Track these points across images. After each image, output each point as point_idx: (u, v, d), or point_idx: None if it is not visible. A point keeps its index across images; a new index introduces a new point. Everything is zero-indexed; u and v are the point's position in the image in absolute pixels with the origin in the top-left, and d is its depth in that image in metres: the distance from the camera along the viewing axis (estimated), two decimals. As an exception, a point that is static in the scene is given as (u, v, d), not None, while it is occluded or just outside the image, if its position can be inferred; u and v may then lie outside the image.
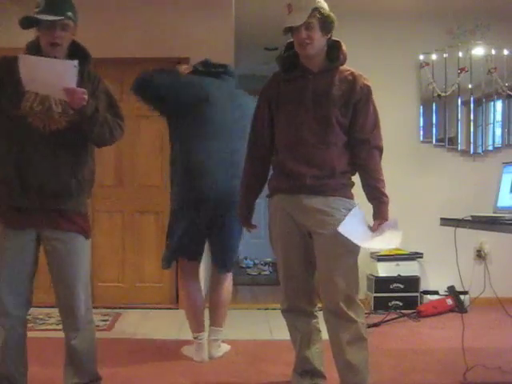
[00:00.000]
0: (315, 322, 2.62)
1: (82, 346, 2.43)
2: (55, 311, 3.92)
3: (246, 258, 7.21)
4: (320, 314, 2.61)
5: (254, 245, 7.32)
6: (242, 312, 4.66)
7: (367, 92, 2.43)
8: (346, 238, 2.32)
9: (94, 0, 4.41)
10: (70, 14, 2.26)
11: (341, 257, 2.37)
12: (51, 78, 2.15)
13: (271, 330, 4.03)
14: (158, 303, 4.61)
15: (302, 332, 2.59)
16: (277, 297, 5.33)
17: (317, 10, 2.34)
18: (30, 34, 2.28)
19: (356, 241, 2.32)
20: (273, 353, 3.42)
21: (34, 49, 2.32)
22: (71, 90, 2.17)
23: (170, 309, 4.62)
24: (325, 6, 2.39)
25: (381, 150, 2.48)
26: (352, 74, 2.43)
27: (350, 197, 2.45)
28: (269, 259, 7.14)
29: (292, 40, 2.43)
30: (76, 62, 2.17)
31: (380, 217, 2.43)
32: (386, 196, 2.44)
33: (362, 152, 2.42)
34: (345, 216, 2.37)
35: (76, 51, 2.36)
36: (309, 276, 2.54)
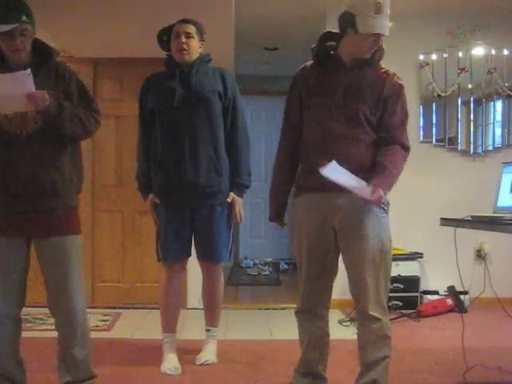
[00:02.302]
0: (325, 325, 2.57)
1: (78, 343, 2.43)
2: (55, 311, 3.96)
3: (246, 258, 7.19)
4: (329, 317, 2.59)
5: (254, 245, 7.33)
6: (242, 312, 4.66)
7: (398, 90, 2.38)
8: (376, 238, 2.31)
9: (95, 1, 4.41)
10: (24, 17, 2.24)
11: (371, 258, 2.32)
12: (10, 91, 2.18)
13: (271, 330, 4.03)
14: (158, 303, 4.61)
15: (310, 334, 2.54)
16: (277, 297, 5.38)
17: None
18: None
19: (340, 181, 2.20)
20: (273, 353, 3.41)
21: None
22: (30, 95, 2.19)
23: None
24: None
25: (405, 148, 2.41)
26: (386, 72, 2.40)
27: None
28: (269, 259, 7.13)
29: (329, 31, 2.38)
30: (29, 70, 2.18)
31: (377, 183, 2.24)
32: (393, 176, 2.32)
33: (383, 148, 2.36)
34: (375, 215, 2.34)
35: (39, 48, 2.37)
36: (330, 278, 2.49)
